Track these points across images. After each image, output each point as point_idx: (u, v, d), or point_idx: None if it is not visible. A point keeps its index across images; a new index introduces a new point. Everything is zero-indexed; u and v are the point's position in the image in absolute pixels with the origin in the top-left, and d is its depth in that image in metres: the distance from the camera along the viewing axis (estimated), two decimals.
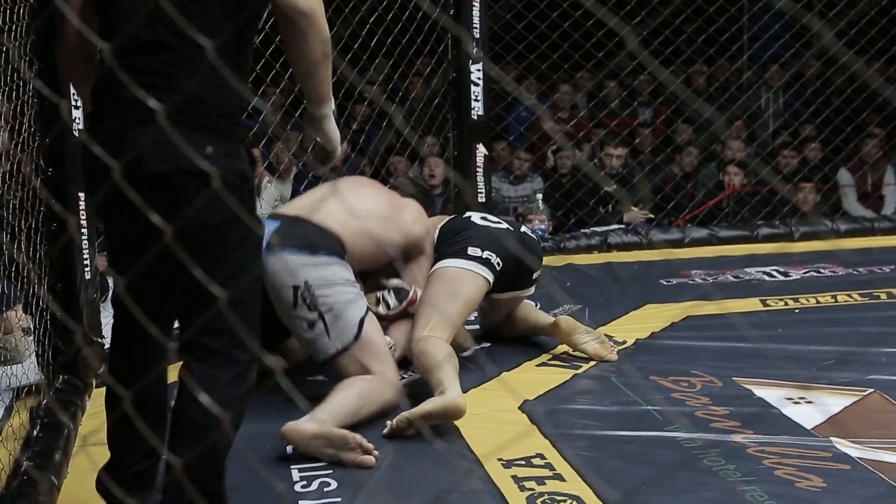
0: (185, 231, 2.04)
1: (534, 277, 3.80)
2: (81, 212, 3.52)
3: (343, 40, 5.15)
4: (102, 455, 2.46)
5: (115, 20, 2.16)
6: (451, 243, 3.61)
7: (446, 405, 3.02)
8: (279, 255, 3.16)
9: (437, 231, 3.70)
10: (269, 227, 3.21)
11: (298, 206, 3.38)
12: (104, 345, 3.56)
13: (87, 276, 3.53)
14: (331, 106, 2.39)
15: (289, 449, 2.91)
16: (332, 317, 3.16)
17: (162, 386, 2.42)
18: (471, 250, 3.55)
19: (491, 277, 3.56)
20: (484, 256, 3.55)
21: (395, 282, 3.58)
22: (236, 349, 2.22)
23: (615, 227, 5.85)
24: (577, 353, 3.76)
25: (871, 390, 3.28)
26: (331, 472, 2.79)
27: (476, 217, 3.78)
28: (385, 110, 5.94)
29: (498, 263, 3.56)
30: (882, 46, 6.63)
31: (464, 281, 3.52)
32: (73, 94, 3.32)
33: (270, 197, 5.83)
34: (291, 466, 2.84)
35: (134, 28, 2.06)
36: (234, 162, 2.16)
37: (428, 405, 3.03)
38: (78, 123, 3.45)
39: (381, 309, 3.50)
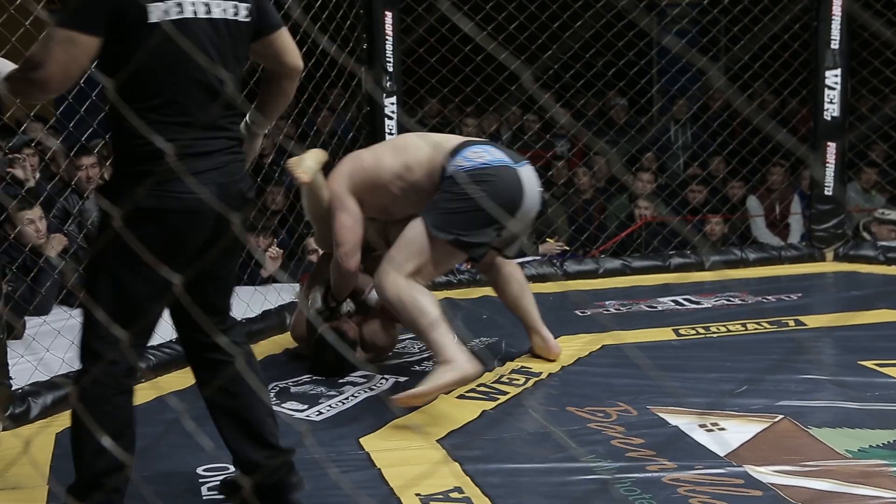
0: None
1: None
2: None
3: (257, 74, 5.12)
4: (5, 500, 2.39)
5: None
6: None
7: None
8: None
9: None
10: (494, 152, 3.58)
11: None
12: (10, 386, 3.46)
13: None
14: None
15: (203, 490, 2.86)
16: None
17: None
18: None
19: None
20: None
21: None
22: None
23: (531, 258, 5.90)
24: (496, 385, 3.77)
25: (781, 416, 3.35)
26: None
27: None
28: (286, 148, 5.91)
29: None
30: (766, 80, 6.85)
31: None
32: None
33: None
34: None
35: None
36: None
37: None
38: None
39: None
